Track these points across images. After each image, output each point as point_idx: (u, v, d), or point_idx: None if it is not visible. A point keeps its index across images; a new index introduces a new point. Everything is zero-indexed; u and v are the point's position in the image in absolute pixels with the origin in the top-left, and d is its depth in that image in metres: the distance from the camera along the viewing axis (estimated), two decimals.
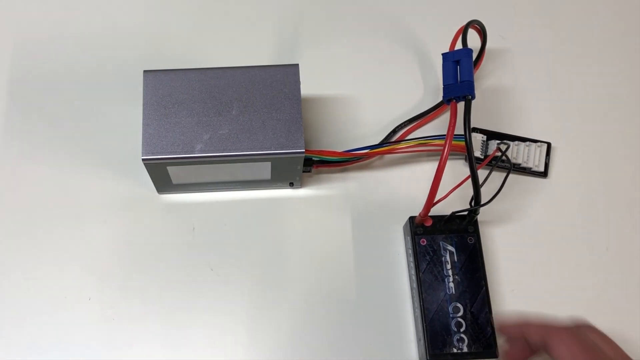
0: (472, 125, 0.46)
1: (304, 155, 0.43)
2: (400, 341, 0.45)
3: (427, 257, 0.45)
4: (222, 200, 0.48)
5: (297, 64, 0.45)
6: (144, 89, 0.44)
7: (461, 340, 0.43)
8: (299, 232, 0.48)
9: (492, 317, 0.43)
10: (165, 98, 0.43)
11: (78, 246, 0.47)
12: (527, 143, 0.50)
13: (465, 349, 0.42)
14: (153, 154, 0.42)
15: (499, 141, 0.50)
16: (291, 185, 0.48)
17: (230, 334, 0.45)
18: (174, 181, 0.46)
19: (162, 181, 0.46)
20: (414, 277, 0.45)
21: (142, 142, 0.42)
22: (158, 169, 0.44)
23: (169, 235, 0.47)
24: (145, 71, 0.44)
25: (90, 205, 0.48)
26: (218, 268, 0.47)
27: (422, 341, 0.43)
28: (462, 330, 0.43)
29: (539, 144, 0.50)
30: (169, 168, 0.44)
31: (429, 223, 0.45)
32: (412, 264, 0.45)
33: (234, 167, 0.44)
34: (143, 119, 0.43)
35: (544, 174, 0.50)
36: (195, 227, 0.48)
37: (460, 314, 0.43)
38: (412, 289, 0.46)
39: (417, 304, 0.44)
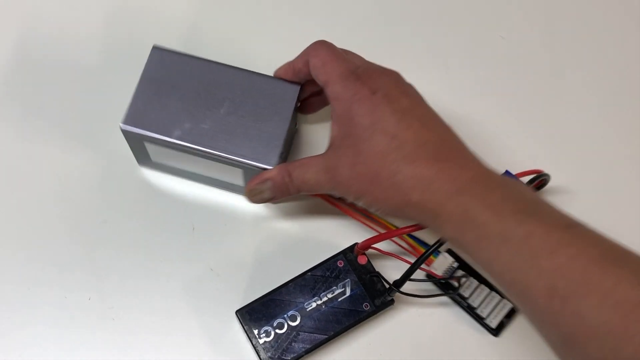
0: (449, 247, 0.47)
1: None
2: None
3: (328, 273, 0.44)
4: (222, 200, 0.48)
5: (300, 84, 0.44)
6: (147, 63, 0.44)
7: (267, 333, 0.42)
8: (298, 234, 0.48)
9: None
10: (164, 77, 0.43)
11: (78, 246, 0.47)
12: (493, 293, 0.46)
13: (260, 342, 0.42)
14: (132, 125, 0.42)
15: (463, 273, 0.46)
16: None
17: (230, 333, 0.45)
18: (153, 159, 0.46)
19: (141, 155, 0.46)
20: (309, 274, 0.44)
21: (127, 112, 0.42)
22: (136, 141, 0.44)
23: (169, 235, 0.47)
24: (154, 46, 0.44)
25: (91, 206, 0.48)
26: (218, 268, 0.47)
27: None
28: (274, 330, 0.42)
29: (504, 301, 0.45)
30: (146, 144, 0.44)
31: (363, 261, 0.44)
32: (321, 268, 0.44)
33: (207, 164, 0.44)
34: (135, 91, 0.43)
35: (494, 332, 0.45)
36: (195, 227, 0.48)
37: (288, 324, 0.42)
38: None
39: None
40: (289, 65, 0.44)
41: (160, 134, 0.42)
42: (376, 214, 0.45)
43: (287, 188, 0.42)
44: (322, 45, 0.42)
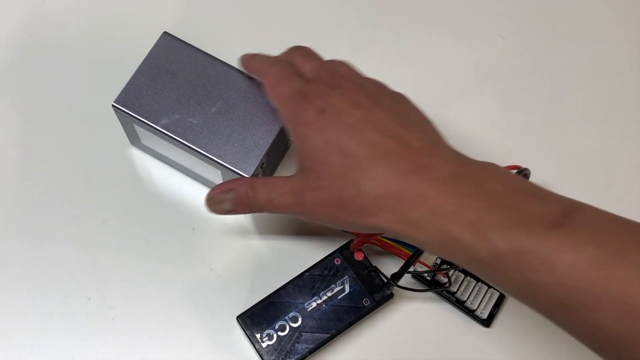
0: None
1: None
2: None
3: (326, 272, 0.44)
4: None
5: None
6: (153, 47, 0.44)
7: (269, 336, 0.42)
8: (297, 233, 0.48)
9: None
10: (166, 64, 0.44)
11: (78, 246, 0.47)
12: (479, 284, 0.46)
13: (264, 345, 0.42)
14: (124, 105, 0.43)
15: (448, 265, 0.46)
16: None
17: (230, 333, 0.45)
18: (142, 141, 0.47)
19: (132, 135, 0.47)
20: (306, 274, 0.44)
21: (121, 91, 0.43)
22: (126, 122, 0.45)
23: (169, 235, 0.47)
24: (165, 32, 0.45)
25: (91, 206, 0.48)
26: (218, 268, 0.47)
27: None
28: (276, 332, 0.42)
29: (492, 290, 0.46)
30: (135, 126, 0.44)
31: (359, 257, 0.45)
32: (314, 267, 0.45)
33: (190, 158, 0.44)
34: (135, 72, 0.44)
35: (485, 323, 0.45)
36: (195, 227, 0.48)
37: (290, 325, 0.42)
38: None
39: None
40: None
41: (148, 120, 0.43)
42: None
43: (250, 203, 0.39)
44: (272, 65, 0.41)
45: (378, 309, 0.44)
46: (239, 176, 0.42)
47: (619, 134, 0.52)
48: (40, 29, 0.53)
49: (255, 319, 0.43)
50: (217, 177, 0.45)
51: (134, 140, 0.48)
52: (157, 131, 0.43)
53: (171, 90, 0.43)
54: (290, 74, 0.40)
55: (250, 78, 0.44)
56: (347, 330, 0.43)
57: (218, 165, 0.43)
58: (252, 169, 0.42)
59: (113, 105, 0.43)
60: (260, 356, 0.42)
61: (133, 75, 0.44)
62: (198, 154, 0.43)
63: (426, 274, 0.46)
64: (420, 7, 0.56)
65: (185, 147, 0.43)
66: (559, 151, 0.51)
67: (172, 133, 0.43)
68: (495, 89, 0.53)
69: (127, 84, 0.43)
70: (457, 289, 0.45)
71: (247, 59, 0.44)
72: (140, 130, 0.45)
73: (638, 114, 0.53)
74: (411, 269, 0.42)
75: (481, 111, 0.52)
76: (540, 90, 0.54)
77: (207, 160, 0.43)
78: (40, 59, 0.52)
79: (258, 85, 0.44)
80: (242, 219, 0.48)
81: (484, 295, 0.45)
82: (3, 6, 0.54)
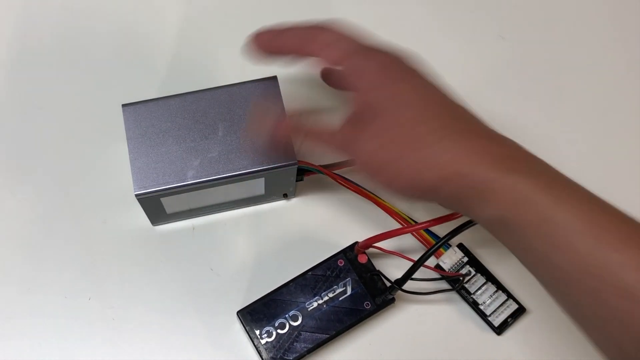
0: (460, 242, 0.47)
1: (297, 166, 0.42)
2: None
3: (329, 272, 0.44)
4: None
5: (276, 76, 0.44)
6: (125, 124, 0.43)
7: (269, 334, 0.42)
8: (297, 234, 0.48)
9: None
10: (149, 129, 0.43)
11: (78, 246, 0.47)
12: (499, 292, 0.46)
13: (262, 342, 0.42)
14: (145, 187, 0.41)
15: (470, 268, 0.46)
16: (285, 196, 0.48)
17: (230, 334, 0.45)
18: (168, 211, 0.45)
19: (156, 213, 0.45)
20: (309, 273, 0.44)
21: (133, 178, 0.41)
22: (152, 201, 0.43)
23: (169, 235, 0.47)
24: (123, 105, 0.43)
25: (90, 205, 0.48)
26: (218, 268, 0.47)
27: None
28: (275, 330, 0.42)
29: (510, 301, 0.45)
30: (162, 200, 0.43)
31: (363, 259, 0.45)
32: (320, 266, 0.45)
33: (227, 188, 0.43)
34: (129, 154, 0.42)
35: (497, 330, 0.45)
36: (195, 227, 0.48)
37: (290, 324, 0.43)
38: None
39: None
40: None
41: (176, 182, 0.41)
42: (390, 192, 0.41)
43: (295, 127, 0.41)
44: (321, 30, 0.40)
45: (379, 312, 0.44)
46: (288, 172, 0.43)
47: (619, 133, 0.52)
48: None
49: (255, 315, 0.43)
50: (259, 188, 0.45)
51: (158, 218, 0.46)
52: (190, 187, 0.42)
53: (173, 146, 0.42)
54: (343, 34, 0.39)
55: (225, 87, 0.44)
56: (348, 331, 0.43)
57: (263, 172, 0.42)
58: (294, 153, 0.42)
59: (136, 195, 0.41)
60: (259, 353, 0.42)
61: (129, 158, 0.42)
62: (239, 176, 0.42)
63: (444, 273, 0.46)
64: (420, 7, 0.56)
65: (225, 180, 0.42)
66: (559, 150, 0.51)
67: (205, 177, 0.42)
68: (495, 89, 0.53)
69: (132, 169, 0.42)
70: (475, 292, 0.45)
71: (273, 35, 0.40)
72: (168, 200, 0.43)
73: (638, 113, 0.53)
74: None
75: (481, 111, 0.52)
76: (541, 90, 0.54)
77: (251, 176, 0.42)
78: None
79: (237, 87, 0.44)
80: (241, 219, 0.48)
81: (502, 304, 0.45)
82: None
